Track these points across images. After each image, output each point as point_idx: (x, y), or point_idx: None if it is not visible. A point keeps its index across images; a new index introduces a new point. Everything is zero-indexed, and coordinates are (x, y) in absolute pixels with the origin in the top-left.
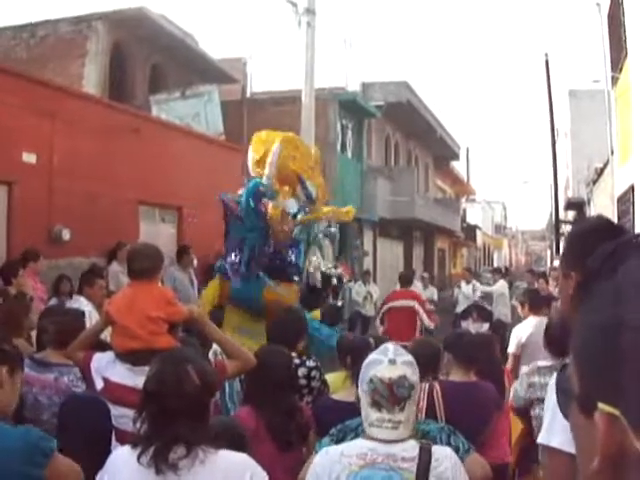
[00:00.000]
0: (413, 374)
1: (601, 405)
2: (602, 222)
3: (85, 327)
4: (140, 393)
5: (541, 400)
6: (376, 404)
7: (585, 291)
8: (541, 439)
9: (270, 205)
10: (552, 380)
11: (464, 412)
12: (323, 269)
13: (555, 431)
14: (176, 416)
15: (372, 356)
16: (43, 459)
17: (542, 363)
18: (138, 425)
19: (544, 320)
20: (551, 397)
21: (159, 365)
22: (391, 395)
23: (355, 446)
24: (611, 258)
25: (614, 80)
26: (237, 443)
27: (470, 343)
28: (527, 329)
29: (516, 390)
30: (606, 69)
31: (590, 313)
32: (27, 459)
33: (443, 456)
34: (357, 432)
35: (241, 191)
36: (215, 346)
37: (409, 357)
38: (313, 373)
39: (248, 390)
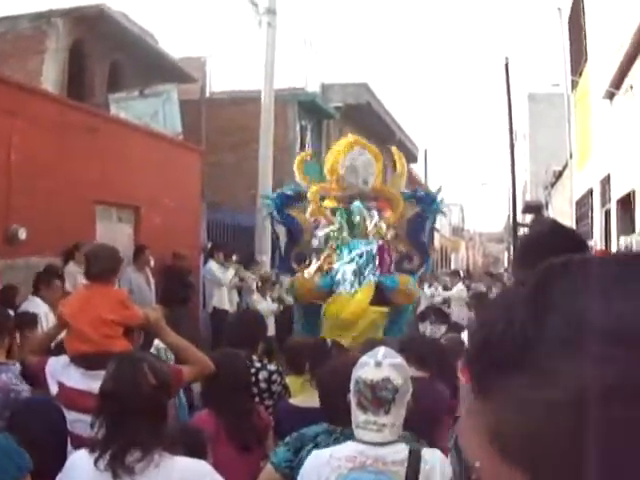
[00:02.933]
0: (399, 377)
1: None
2: (550, 230)
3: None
4: (95, 397)
5: None
6: (361, 406)
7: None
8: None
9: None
10: None
11: (415, 409)
12: None
13: None
14: (133, 418)
15: (363, 358)
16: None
17: None
18: (96, 429)
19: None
20: None
21: (115, 366)
22: (374, 397)
23: (344, 449)
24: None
25: (574, 84)
26: (196, 449)
27: (423, 345)
28: None
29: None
30: (566, 73)
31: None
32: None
33: (432, 459)
34: (316, 442)
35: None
36: (156, 342)
37: (398, 360)
38: (274, 377)
39: (205, 393)
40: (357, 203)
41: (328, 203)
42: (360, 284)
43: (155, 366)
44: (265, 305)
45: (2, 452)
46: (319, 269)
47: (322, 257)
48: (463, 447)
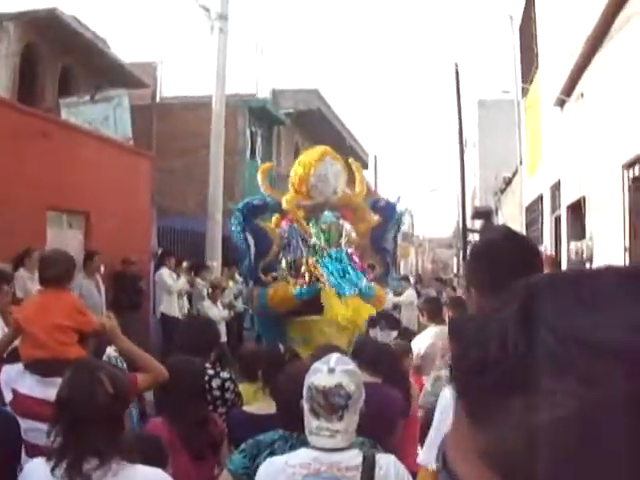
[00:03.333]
0: (351, 383)
1: None
2: (503, 237)
3: None
4: (50, 405)
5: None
6: (314, 412)
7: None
8: (420, 459)
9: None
10: (443, 398)
11: (367, 414)
12: None
13: (433, 451)
14: (89, 426)
15: (315, 364)
16: None
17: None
18: (52, 438)
19: (444, 329)
20: (437, 414)
21: (72, 374)
22: (327, 404)
23: (299, 455)
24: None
25: (524, 91)
26: (156, 457)
27: (374, 351)
28: (426, 339)
29: (426, 388)
30: (516, 80)
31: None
32: None
33: (387, 464)
34: (273, 447)
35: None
36: (108, 350)
37: (351, 367)
38: (227, 384)
39: (159, 401)
40: (327, 213)
41: (299, 213)
42: (350, 288)
43: (112, 374)
44: (216, 311)
45: None
46: (309, 278)
47: (310, 267)
48: (450, 462)
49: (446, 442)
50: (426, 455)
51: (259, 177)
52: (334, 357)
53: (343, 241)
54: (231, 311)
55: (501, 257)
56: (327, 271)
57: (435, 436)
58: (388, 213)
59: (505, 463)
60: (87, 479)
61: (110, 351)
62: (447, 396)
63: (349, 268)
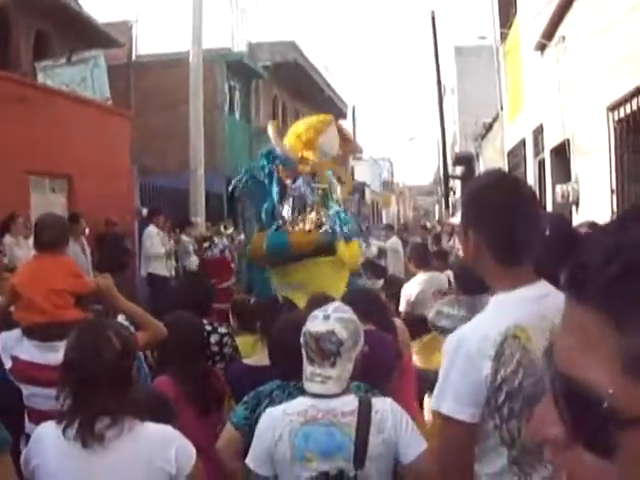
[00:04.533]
0: (344, 331)
1: None
2: (501, 178)
3: None
4: (51, 370)
5: (443, 329)
6: (309, 358)
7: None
8: (433, 404)
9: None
10: (449, 344)
11: (364, 360)
12: None
13: (445, 396)
14: (99, 385)
15: (314, 312)
16: None
17: (452, 296)
18: (61, 401)
19: (434, 275)
20: (445, 357)
21: (78, 334)
22: (319, 349)
23: (296, 404)
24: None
25: (503, 36)
26: (164, 415)
27: (364, 298)
28: (415, 286)
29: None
30: (494, 25)
31: None
32: None
33: (383, 407)
34: (272, 397)
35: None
36: (120, 318)
37: (348, 315)
38: (225, 339)
39: (161, 359)
40: (329, 172)
41: (306, 168)
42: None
43: (117, 331)
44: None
45: None
46: (316, 224)
47: (319, 215)
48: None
49: (561, 351)
50: (439, 400)
51: (271, 134)
52: (333, 305)
53: (340, 197)
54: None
55: (489, 205)
56: (336, 218)
57: (444, 382)
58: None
59: None
60: (100, 438)
61: (121, 318)
62: (454, 341)
63: (349, 219)
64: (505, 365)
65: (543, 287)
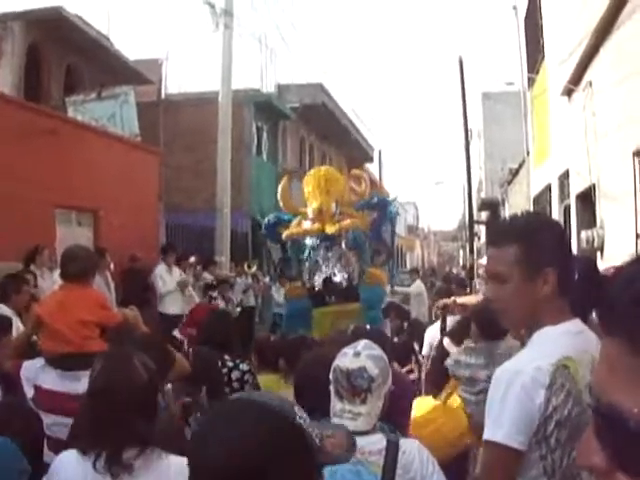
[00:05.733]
0: (375, 367)
1: None
2: (550, 218)
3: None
4: (73, 399)
5: (463, 379)
6: (338, 394)
7: None
8: (486, 434)
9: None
10: (504, 374)
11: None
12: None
13: (502, 425)
14: (127, 415)
15: (344, 349)
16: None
17: (469, 344)
18: (83, 430)
19: (456, 318)
20: (497, 391)
21: (105, 362)
22: (350, 385)
23: None
24: None
25: (530, 82)
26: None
27: (375, 336)
28: (439, 330)
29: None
30: (522, 70)
31: None
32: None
33: (410, 449)
34: None
35: None
36: None
37: (377, 352)
38: (246, 377)
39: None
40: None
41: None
42: None
43: (144, 361)
44: (223, 306)
45: (6, 456)
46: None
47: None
48: (607, 398)
49: (595, 379)
50: (495, 429)
51: (280, 195)
52: (362, 342)
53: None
54: (238, 307)
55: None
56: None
57: (500, 411)
58: (382, 208)
59: None
60: (128, 468)
61: None
62: (509, 372)
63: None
64: (557, 394)
65: (579, 323)
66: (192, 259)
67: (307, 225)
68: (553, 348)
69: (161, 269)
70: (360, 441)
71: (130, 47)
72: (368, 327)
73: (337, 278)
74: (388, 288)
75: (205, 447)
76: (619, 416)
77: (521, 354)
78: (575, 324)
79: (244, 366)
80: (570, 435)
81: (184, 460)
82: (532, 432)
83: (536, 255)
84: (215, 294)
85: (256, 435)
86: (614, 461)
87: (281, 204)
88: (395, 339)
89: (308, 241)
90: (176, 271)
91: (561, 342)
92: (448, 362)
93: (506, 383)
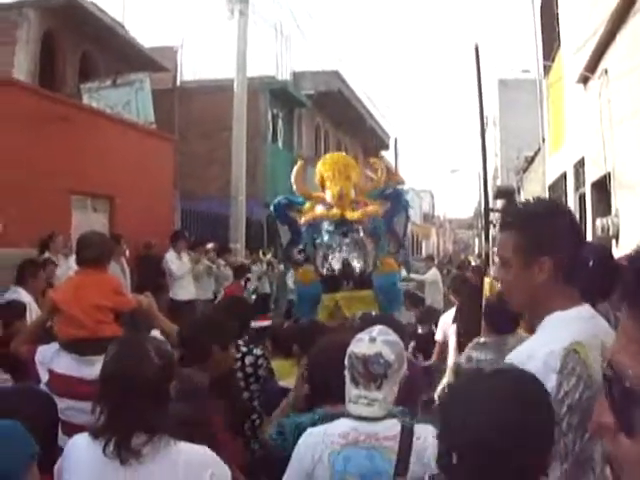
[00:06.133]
0: (391, 353)
1: None
2: (556, 204)
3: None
4: (88, 383)
5: None
6: (354, 380)
7: None
8: None
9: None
10: (517, 358)
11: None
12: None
13: None
14: (137, 400)
15: (359, 334)
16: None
17: (481, 339)
18: (96, 414)
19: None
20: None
21: (117, 348)
22: (366, 371)
23: (338, 425)
24: None
25: (546, 69)
26: (201, 436)
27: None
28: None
29: (459, 363)
30: (538, 58)
31: None
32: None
33: (425, 434)
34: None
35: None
36: (153, 333)
37: (393, 337)
38: (260, 361)
39: None
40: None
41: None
42: None
43: (158, 346)
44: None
45: (15, 439)
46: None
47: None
48: (612, 359)
49: (614, 353)
50: None
51: (294, 179)
52: (377, 328)
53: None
54: (253, 294)
55: (563, 229)
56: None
57: None
58: (395, 199)
59: None
60: (137, 454)
61: (155, 333)
62: (522, 356)
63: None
64: (568, 378)
65: (590, 309)
66: (209, 245)
67: (320, 209)
68: (564, 332)
69: (171, 255)
70: (375, 427)
71: (145, 34)
72: (373, 314)
73: (355, 263)
74: (403, 274)
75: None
76: (618, 375)
77: (533, 338)
78: (586, 309)
79: (258, 351)
80: (581, 419)
81: (196, 448)
82: None
83: (532, 243)
84: (250, 275)
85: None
86: (617, 422)
87: (294, 187)
88: (419, 330)
89: (325, 226)
90: (185, 257)
91: (572, 327)
92: (461, 359)
93: (520, 366)
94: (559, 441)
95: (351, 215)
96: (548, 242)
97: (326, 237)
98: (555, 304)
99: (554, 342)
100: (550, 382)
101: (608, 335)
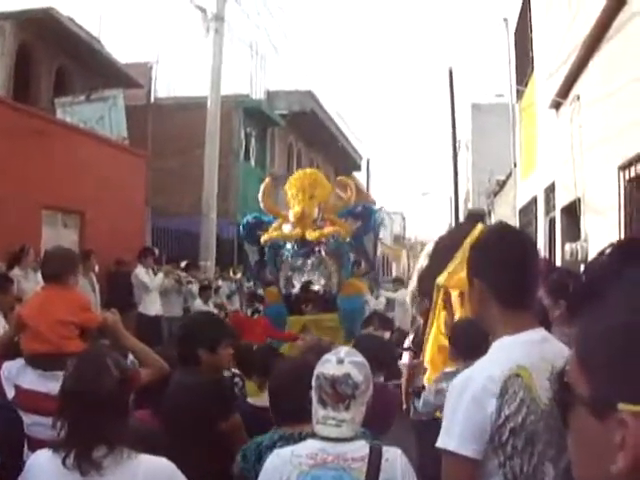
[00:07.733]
0: (359, 374)
1: (626, 406)
2: (503, 230)
3: None
4: (53, 399)
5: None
6: (322, 401)
7: (586, 299)
8: (439, 443)
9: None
10: (456, 385)
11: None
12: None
13: (453, 435)
14: (97, 414)
15: (326, 355)
16: None
17: (448, 369)
18: (57, 429)
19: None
20: (450, 399)
21: (77, 362)
22: (334, 392)
23: (305, 446)
24: (614, 266)
25: (519, 94)
26: (152, 443)
27: (378, 348)
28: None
29: (425, 397)
30: (511, 82)
31: (603, 319)
32: None
33: (393, 456)
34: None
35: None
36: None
37: (360, 359)
38: (236, 379)
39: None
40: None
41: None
42: None
43: (117, 360)
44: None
45: None
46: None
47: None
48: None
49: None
50: (447, 438)
51: (261, 197)
52: (344, 349)
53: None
54: (221, 311)
55: (495, 256)
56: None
57: (451, 421)
58: (365, 217)
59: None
60: (97, 466)
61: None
62: (461, 382)
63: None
64: (509, 402)
65: (543, 333)
66: (183, 264)
67: (287, 229)
68: (506, 357)
69: (140, 271)
70: (343, 448)
71: (121, 50)
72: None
73: (315, 286)
74: (373, 294)
75: None
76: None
77: (477, 363)
78: (538, 333)
79: (234, 369)
80: (527, 443)
81: (155, 459)
82: (486, 440)
83: (470, 265)
84: (260, 306)
85: None
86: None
87: (262, 204)
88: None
89: (287, 246)
90: (152, 274)
91: (516, 351)
92: (427, 395)
93: (458, 391)
94: (505, 464)
95: (311, 235)
96: (479, 267)
97: (290, 258)
98: (502, 329)
99: (493, 367)
100: (490, 407)
101: (560, 358)
